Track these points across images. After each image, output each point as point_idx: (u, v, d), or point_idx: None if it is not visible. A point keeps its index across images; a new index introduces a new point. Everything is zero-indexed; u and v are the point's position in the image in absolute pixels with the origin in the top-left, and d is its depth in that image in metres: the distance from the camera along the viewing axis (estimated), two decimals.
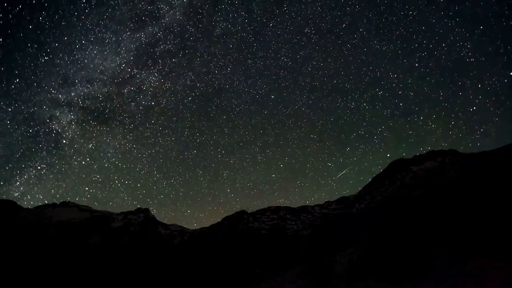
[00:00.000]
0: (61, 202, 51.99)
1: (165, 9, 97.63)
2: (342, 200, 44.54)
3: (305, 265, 17.38)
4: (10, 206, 38.94)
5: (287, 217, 40.70)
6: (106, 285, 26.25)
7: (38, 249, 31.09)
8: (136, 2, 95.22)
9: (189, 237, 41.43)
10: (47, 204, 50.42)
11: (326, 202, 46.25)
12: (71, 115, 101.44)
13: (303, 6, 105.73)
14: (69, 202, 52.48)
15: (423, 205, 17.95)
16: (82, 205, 51.23)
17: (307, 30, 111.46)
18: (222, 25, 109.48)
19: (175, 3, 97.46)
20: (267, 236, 33.26)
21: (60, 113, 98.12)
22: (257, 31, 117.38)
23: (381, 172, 48.77)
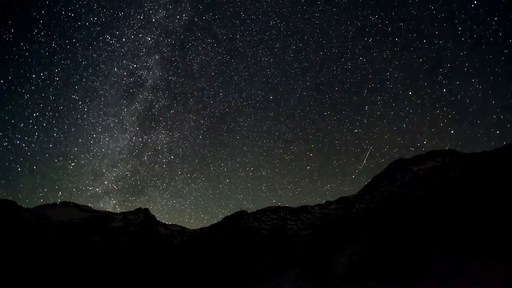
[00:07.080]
0: (61, 202, 52.07)
1: (144, 73, 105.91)
2: (342, 200, 44.63)
3: (305, 265, 17.37)
4: (10, 206, 38.95)
5: (287, 217, 40.69)
6: (106, 285, 26.26)
7: (38, 249, 31.08)
8: (119, 80, 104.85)
9: (189, 237, 41.44)
10: (47, 204, 50.48)
11: (326, 202, 46.46)
12: (112, 200, 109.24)
13: (257, 5, 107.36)
14: (69, 202, 52.56)
15: (423, 205, 17.94)
16: (82, 205, 51.30)
17: (272, 22, 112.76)
18: (197, 60, 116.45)
19: (150, 64, 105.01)
20: (267, 236, 33.22)
21: (104, 203, 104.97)
22: (228, 48, 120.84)
23: (381, 172, 49.01)
